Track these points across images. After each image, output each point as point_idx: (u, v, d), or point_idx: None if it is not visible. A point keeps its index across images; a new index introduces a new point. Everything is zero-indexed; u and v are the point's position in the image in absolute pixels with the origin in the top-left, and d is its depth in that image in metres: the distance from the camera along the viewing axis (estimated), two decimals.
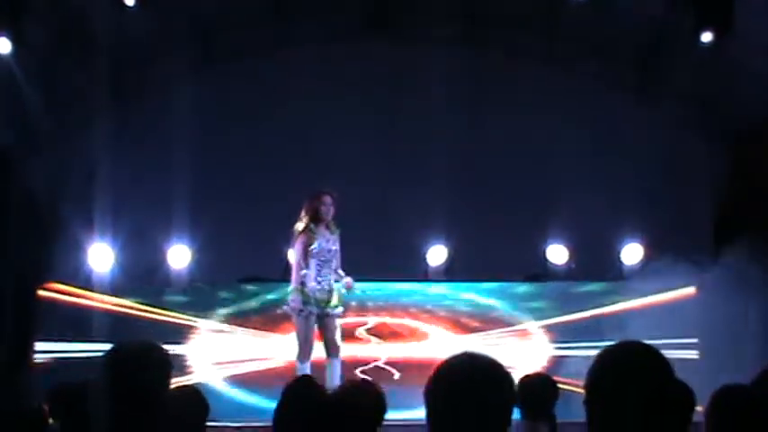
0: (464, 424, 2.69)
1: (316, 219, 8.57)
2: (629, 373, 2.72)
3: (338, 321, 8.75)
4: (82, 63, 11.20)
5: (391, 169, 11.79)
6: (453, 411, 2.71)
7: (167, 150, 11.36)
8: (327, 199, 8.59)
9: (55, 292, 11.15)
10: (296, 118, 11.84)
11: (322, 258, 8.55)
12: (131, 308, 11.24)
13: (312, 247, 8.53)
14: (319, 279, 8.55)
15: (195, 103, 11.49)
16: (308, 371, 8.26)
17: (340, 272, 8.65)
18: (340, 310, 8.69)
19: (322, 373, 8.39)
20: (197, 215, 11.35)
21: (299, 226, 8.56)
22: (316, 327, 8.60)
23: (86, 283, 11.37)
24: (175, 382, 3.22)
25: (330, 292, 8.57)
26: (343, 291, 8.65)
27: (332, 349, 8.60)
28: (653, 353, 2.79)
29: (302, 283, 8.54)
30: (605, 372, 2.77)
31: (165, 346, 3.18)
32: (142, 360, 2.97)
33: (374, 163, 11.72)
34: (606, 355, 2.82)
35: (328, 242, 8.57)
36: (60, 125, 11.25)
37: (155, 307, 11.31)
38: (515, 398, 2.79)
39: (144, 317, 11.24)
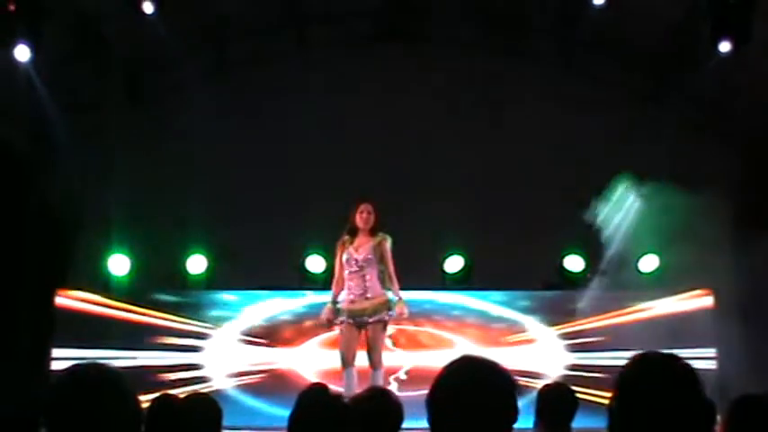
0: (467, 430, 2.68)
1: (352, 229, 8.62)
2: (657, 384, 2.74)
3: (380, 330, 8.58)
4: (99, 69, 11.30)
5: (408, 176, 11.82)
6: (455, 417, 2.70)
7: (185, 156, 11.52)
8: (361, 207, 8.60)
9: (72, 298, 11.20)
10: (314, 123, 11.89)
11: (352, 269, 8.55)
12: (148, 315, 11.29)
13: (344, 257, 8.59)
14: (351, 289, 8.56)
15: (212, 108, 11.57)
16: (350, 378, 8.34)
17: (391, 283, 8.59)
18: (379, 317, 8.52)
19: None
20: (214, 221, 11.36)
21: (340, 240, 8.64)
22: (356, 336, 8.55)
23: (104, 289, 11.42)
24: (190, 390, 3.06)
25: (366, 301, 8.52)
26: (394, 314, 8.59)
27: (371, 360, 8.53)
28: (681, 364, 2.80)
29: (336, 296, 8.65)
30: (633, 380, 2.78)
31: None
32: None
33: (391, 170, 11.75)
34: (634, 364, 2.84)
35: (359, 251, 8.54)
36: (78, 131, 11.27)
37: (171, 314, 11.36)
38: (517, 401, 2.77)
39: (160, 325, 11.29)
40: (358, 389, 7.88)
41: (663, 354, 2.88)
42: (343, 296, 8.61)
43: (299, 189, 11.52)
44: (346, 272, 8.57)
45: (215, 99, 11.67)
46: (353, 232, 8.62)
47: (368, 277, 8.52)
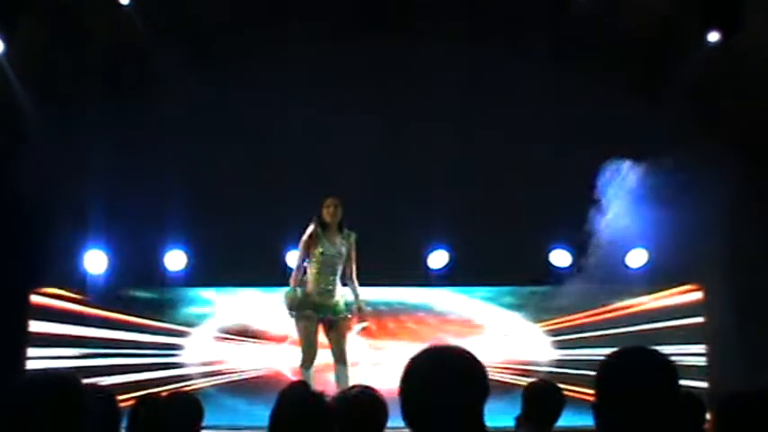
0: (438, 420, 2.67)
1: (322, 224, 8.65)
2: (638, 379, 2.76)
3: (345, 326, 8.78)
4: (76, 61, 11.21)
5: (392, 171, 11.75)
6: (426, 408, 2.69)
7: (164, 150, 11.37)
8: (327, 201, 8.70)
9: (48, 296, 11.17)
10: (295, 118, 11.74)
11: (327, 263, 8.60)
12: (126, 313, 11.31)
13: (318, 251, 8.59)
14: (320, 283, 8.58)
15: (192, 102, 11.47)
16: (310, 378, 8.30)
17: (351, 281, 8.74)
18: (345, 314, 8.69)
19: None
20: (194, 217, 11.30)
21: (308, 230, 8.63)
22: (317, 331, 8.62)
23: (80, 287, 11.40)
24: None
25: (334, 296, 8.60)
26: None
27: (338, 356, 8.62)
28: (662, 359, 2.83)
29: (299, 287, 8.62)
30: (613, 375, 2.81)
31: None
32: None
33: (374, 165, 11.66)
34: (615, 359, 2.87)
35: (335, 247, 8.61)
36: (53, 124, 11.17)
37: (149, 312, 11.39)
38: (488, 388, 2.76)
39: (138, 323, 11.31)
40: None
41: (642, 347, 2.90)
42: (308, 288, 8.61)
43: (281, 184, 11.36)
44: (315, 265, 8.60)
45: (195, 92, 11.53)
46: (324, 226, 8.67)
47: (336, 274, 8.62)
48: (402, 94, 11.93)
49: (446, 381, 2.69)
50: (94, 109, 11.45)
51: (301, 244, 8.69)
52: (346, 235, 8.72)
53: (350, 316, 8.74)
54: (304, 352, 8.58)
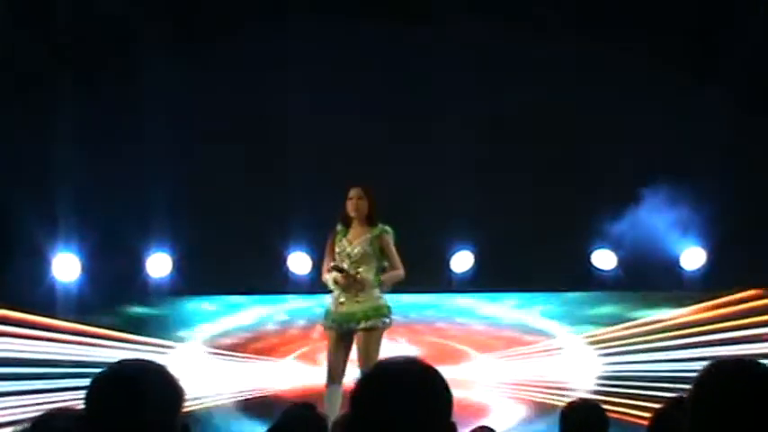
0: None
1: (343, 217, 8.61)
2: (739, 392, 2.81)
3: (373, 338, 8.50)
4: (42, 38, 11.19)
5: (407, 163, 11.64)
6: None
7: (144, 141, 11.27)
8: (350, 192, 8.61)
9: (10, 309, 11.13)
10: (296, 103, 11.56)
11: (345, 263, 8.51)
12: (103, 327, 11.34)
13: (336, 250, 8.56)
14: (340, 290, 8.52)
15: (176, 84, 11.35)
16: (334, 397, 8.31)
17: (383, 276, 8.59)
18: (371, 323, 8.46)
19: None
20: (181, 216, 11.32)
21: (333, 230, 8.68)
22: (341, 345, 8.53)
23: (49, 298, 11.37)
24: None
25: (355, 302, 8.45)
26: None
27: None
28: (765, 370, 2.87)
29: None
30: (714, 389, 2.85)
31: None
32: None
33: (386, 156, 11.55)
34: (716, 371, 2.91)
35: (358, 246, 8.51)
36: (16, 110, 11.21)
37: (129, 325, 11.42)
38: (450, 404, 2.69)
39: (117, 337, 11.30)
40: (343, 410, 7.83)
41: (743, 360, 2.95)
42: (331, 297, 8.58)
43: (281, 177, 11.36)
44: (339, 267, 8.49)
45: (179, 73, 11.47)
46: (347, 222, 8.59)
47: (360, 276, 8.46)
48: (419, 73, 11.79)
49: (400, 400, 2.61)
50: (64, 93, 11.42)
51: (327, 246, 8.71)
52: (377, 229, 8.57)
53: (380, 326, 8.48)
54: (328, 366, 8.53)
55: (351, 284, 8.40)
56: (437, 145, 11.58)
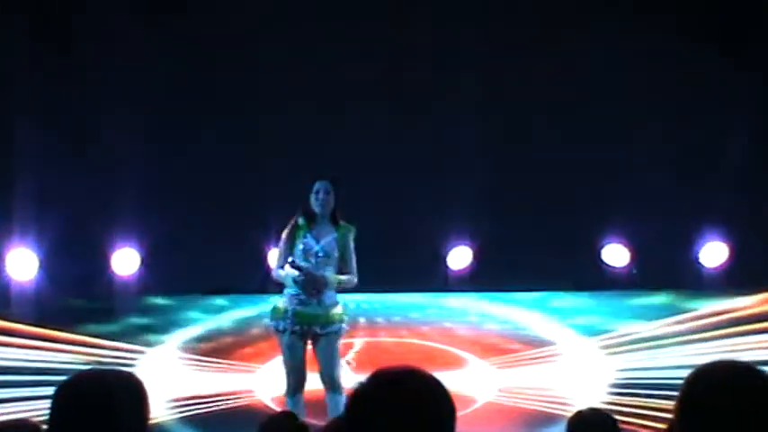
0: None
1: (307, 213, 8.62)
2: (729, 398, 2.85)
3: (338, 343, 8.72)
4: None
5: (399, 149, 11.52)
6: None
7: (108, 120, 11.17)
8: (317, 186, 8.64)
9: None
10: (278, 80, 11.58)
11: (308, 263, 8.53)
12: (63, 330, 11.20)
13: (297, 247, 8.57)
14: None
15: (146, 58, 11.27)
16: (298, 408, 8.34)
17: (341, 277, 8.68)
18: (336, 327, 8.61)
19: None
20: (149, 208, 11.22)
21: (291, 222, 8.70)
22: (304, 350, 8.60)
23: (2, 298, 11.31)
24: None
25: (320, 305, 8.52)
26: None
27: (328, 382, 8.57)
28: (758, 375, 2.91)
29: (281, 294, 8.68)
30: (699, 398, 2.90)
31: None
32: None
33: (376, 141, 11.48)
34: (702, 375, 2.95)
35: (320, 242, 8.55)
36: None
37: (93, 328, 11.32)
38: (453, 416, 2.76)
39: (79, 341, 11.21)
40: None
41: (736, 363, 2.99)
42: (285, 295, 8.58)
43: (259, 164, 11.30)
44: (297, 264, 8.52)
45: (150, 45, 11.31)
46: (310, 216, 8.61)
47: (325, 278, 8.54)
48: (415, 45, 11.67)
49: (401, 412, 2.69)
50: (21, 67, 11.31)
51: (282, 239, 8.72)
52: (342, 228, 8.66)
53: (346, 328, 8.73)
54: (287, 376, 8.57)
55: (312, 285, 8.45)
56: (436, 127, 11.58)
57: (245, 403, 11.24)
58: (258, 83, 11.60)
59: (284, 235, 8.65)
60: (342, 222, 8.65)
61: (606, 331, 11.36)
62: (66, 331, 11.19)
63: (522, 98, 11.53)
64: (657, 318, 11.27)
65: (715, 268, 11.64)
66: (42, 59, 11.50)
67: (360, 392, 2.76)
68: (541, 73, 11.51)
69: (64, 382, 3.12)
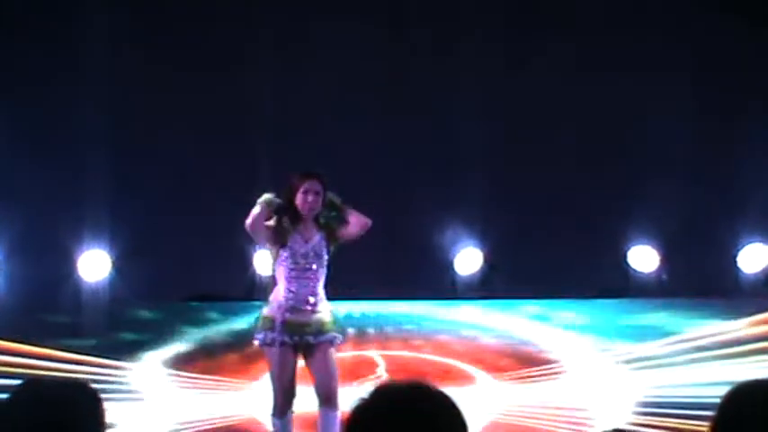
0: None
1: (292, 212, 8.49)
2: (764, 417, 2.95)
3: (334, 354, 8.59)
4: None
5: (401, 146, 11.60)
6: None
7: (78, 110, 11.20)
8: (306, 185, 8.43)
9: None
10: (268, 68, 11.54)
11: (296, 266, 8.40)
12: (28, 343, 11.01)
13: (283, 250, 8.43)
14: (291, 294, 8.37)
15: (111, 43, 11.34)
16: (287, 428, 8.37)
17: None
18: (331, 336, 8.47)
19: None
20: (122, 206, 11.18)
21: (270, 223, 8.56)
22: (294, 363, 8.47)
23: None
24: None
25: (313, 312, 8.38)
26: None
27: (323, 395, 8.40)
28: None
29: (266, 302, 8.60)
30: (738, 414, 2.98)
31: None
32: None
33: (376, 137, 11.53)
34: (740, 393, 3.04)
35: (308, 245, 8.43)
36: None
37: (62, 341, 11.09)
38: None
39: (48, 355, 10.98)
40: None
41: None
42: (273, 303, 8.42)
43: (247, 159, 11.22)
44: (284, 270, 8.42)
45: (125, 28, 11.42)
46: (295, 217, 8.42)
47: (316, 281, 8.44)
48: (418, 33, 11.76)
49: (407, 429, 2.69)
50: None
51: (257, 234, 8.56)
52: (323, 219, 8.55)
53: (340, 337, 8.59)
54: (276, 394, 8.38)
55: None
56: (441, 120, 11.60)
57: (234, 423, 11.08)
58: (248, 83, 11.57)
59: (271, 236, 8.42)
60: (321, 220, 8.48)
61: (628, 343, 11.24)
62: (28, 343, 10.95)
63: (539, 97, 11.50)
64: (686, 329, 11.14)
65: (754, 274, 11.61)
66: (10, 57, 11.56)
67: (361, 409, 2.71)
68: (557, 71, 11.55)
69: (12, 393, 3.11)
